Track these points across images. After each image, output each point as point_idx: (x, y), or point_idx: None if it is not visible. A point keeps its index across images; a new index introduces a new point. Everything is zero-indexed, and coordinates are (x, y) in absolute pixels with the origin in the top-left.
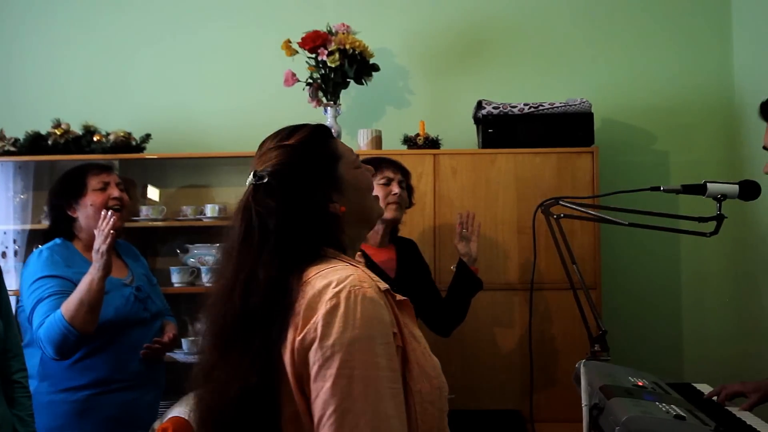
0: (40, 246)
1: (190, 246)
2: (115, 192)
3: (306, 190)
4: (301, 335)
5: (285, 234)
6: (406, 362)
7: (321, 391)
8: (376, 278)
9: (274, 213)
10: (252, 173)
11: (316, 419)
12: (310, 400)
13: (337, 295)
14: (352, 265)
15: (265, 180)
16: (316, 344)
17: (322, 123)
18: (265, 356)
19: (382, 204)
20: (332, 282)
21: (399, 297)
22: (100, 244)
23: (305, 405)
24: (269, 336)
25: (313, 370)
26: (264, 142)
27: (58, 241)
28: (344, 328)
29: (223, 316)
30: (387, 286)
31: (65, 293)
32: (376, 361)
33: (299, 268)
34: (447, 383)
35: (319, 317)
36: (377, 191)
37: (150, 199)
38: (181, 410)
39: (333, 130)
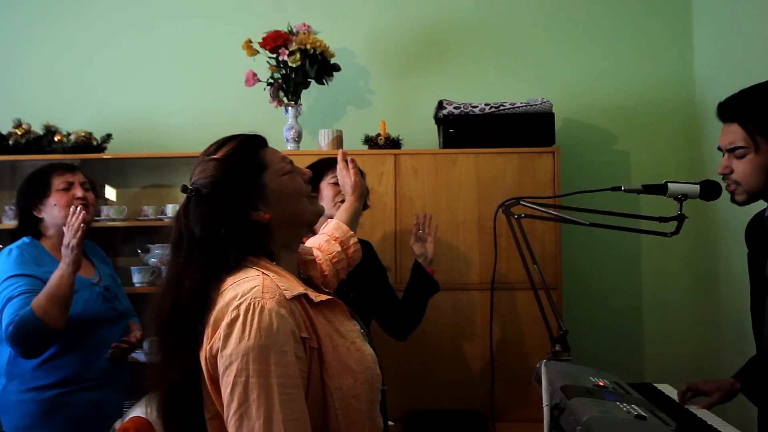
0: (8, 245)
1: (151, 246)
2: (79, 191)
3: (228, 201)
4: (210, 345)
5: (208, 243)
6: (322, 362)
7: (224, 396)
8: (285, 286)
9: (199, 223)
10: (180, 187)
11: (225, 419)
12: None
13: (237, 307)
14: (264, 273)
15: (193, 194)
16: (219, 353)
17: (256, 133)
18: (188, 357)
19: (330, 203)
20: (238, 294)
21: (319, 298)
22: (69, 238)
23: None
24: (192, 338)
25: (220, 376)
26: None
27: (26, 239)
28: (240, 338)
29: (158, 317)
30: (301, 291)
31: (35, 292)
32: (269, 369)
33: (219, 277)
34: (380, 374)
35: (221, 328)
36: (328, 191)
37: (110, 200)
38: (141, 410)
39: (294, 130)
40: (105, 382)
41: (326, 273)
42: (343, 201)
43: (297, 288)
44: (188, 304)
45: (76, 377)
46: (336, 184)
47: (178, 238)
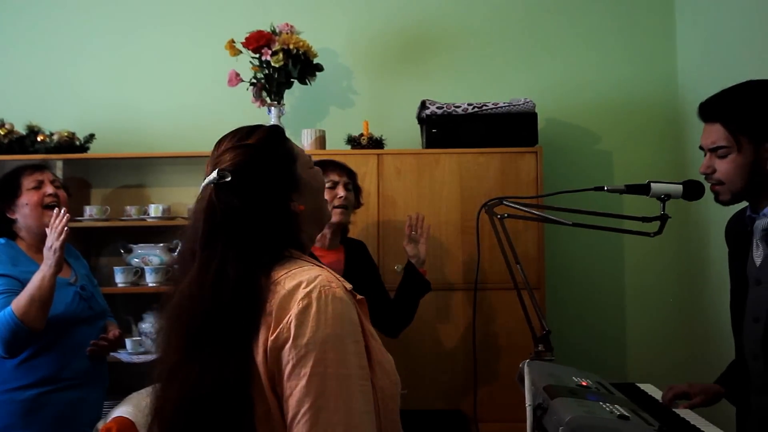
0: None
1: (134, 246)
2: (49, 189)
3: (268, 188)
4: (274, 335)
5: (251, 233)
6: (369, 359)
7: (295, 390)
8: (342, 278)
9: (239, 212)
10: (215, 172)
11: (289, 417)
12: (281, 399)
13: (308, 294)
14: (317, 265)
15: (228, 179)
16: (289, 343)
17: (276, 125)
18: (239, 355)
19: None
20: (303, 282)
21: (358, 296)
22: (53, 240)
23: (277, 403)
24: (242, 335)
25: (287, 368)
26: (221, 141)
27: (2, 240)
28: (317, 327)
29: (191, 315)
30: (351, 286)
31: (13, 292)
32: (347, 358)
33: (267, 267)
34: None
35: (292, 317)
36: None
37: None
38: (124, 410)
39: None
40: (84, 381)
41: None
42: (338, 206)
43: (347, 282)
44: (237, 296)
45: (55, 377)
46: (331, 188)
47: (209, 230)
